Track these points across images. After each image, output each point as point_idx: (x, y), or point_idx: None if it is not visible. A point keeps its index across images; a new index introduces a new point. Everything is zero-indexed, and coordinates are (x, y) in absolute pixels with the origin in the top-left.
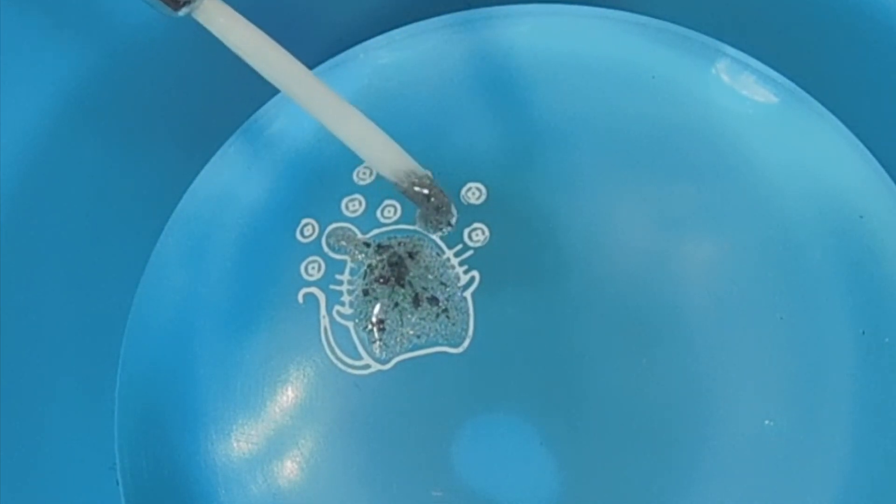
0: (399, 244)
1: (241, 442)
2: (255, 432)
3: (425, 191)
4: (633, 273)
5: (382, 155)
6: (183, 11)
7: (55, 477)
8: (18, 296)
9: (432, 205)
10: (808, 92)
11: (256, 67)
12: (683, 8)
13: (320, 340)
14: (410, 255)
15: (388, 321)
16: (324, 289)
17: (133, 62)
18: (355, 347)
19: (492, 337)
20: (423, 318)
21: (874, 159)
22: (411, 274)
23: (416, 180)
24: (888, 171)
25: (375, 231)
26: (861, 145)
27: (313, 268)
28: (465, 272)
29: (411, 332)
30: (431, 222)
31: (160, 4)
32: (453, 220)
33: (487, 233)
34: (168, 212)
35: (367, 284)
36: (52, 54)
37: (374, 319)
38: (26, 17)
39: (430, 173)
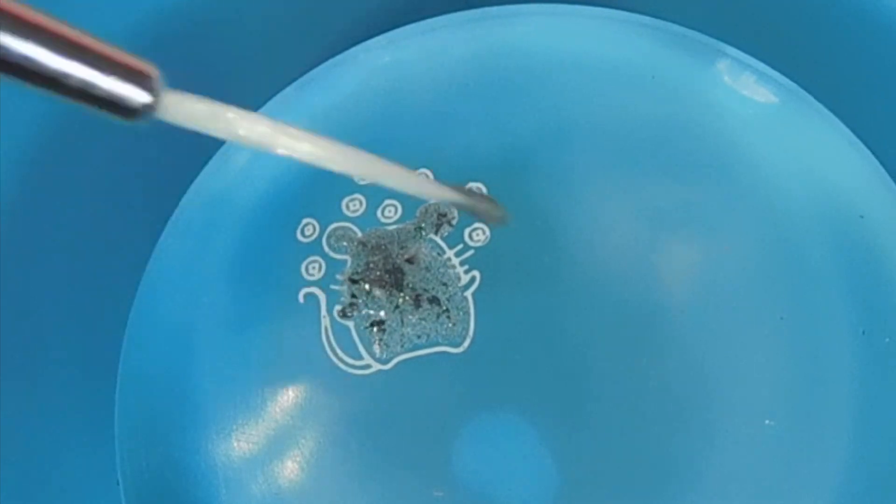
0: (399, 247)
1: (241, 442)
2: (255, 432)
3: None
4: (633, 273)
5: (435, 190)
6: (144, 119)
7: (55, 477)
8: (19, 296)
9: (483, 209)
10: (809, 92)
11: (245, 141)
12: (684, 8)
13: (321, 340)
14: (409, 260)
15: (389, 321)
16: (324, 288)
17: None
18: (356, 347)
19: (492, 337)
20: (424, 318)
21: (874, 159)
22: (411, 276)
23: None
24: (888, 171)
25: (376, 230)
26: (861, 145)
27: (314, 267)
28: (466, 272)
29: (412, 332)
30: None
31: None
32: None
33: (488, 233)
34: (168, 212)
35: (367, 284)
36: None
37: (374, 319)
38: None
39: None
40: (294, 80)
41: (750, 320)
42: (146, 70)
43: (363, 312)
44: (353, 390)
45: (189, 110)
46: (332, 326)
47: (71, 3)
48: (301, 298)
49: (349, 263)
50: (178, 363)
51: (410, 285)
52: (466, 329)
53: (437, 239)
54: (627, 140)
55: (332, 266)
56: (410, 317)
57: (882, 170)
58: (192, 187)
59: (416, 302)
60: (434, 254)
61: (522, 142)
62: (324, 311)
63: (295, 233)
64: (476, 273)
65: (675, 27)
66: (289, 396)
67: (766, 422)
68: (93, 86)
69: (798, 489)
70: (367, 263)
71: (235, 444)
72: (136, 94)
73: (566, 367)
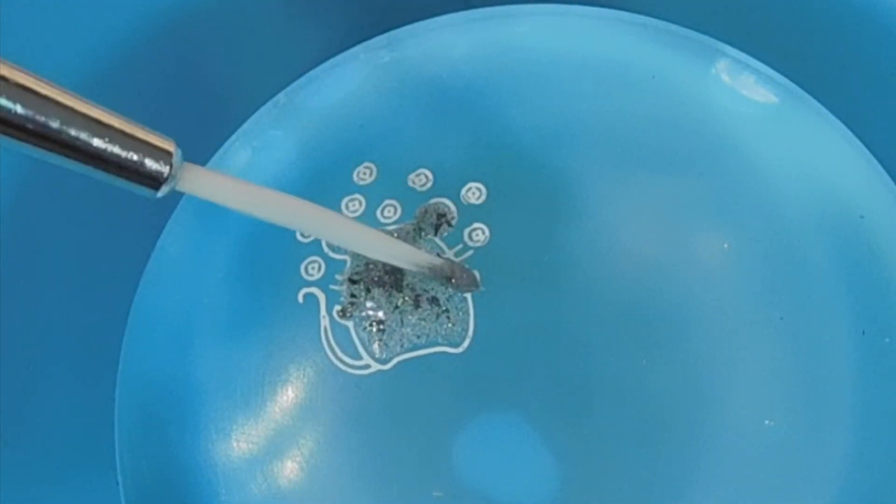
0: None
1: (241, 442)
2: (255, 432)
3: (448, 275)
4: (633, 273)
5: (404, 255)
6: (163, 191)
7: (55, 477)
8: (19, 295)
9: (458, 282)
10: (808, 92)
11: (257, 214)
12: (683, 8)
13: (320, 340)
14: None
15: (389, 321)
16: (324, 289)
17: (132, 61)
18: (355, 347)
19: (492, 337)
20: (424, 319)
21: (874, 159)
22: (410, 276)
23: (437, 267)
24: (888, 171)
25: None
26: (861, 145)
27: (313, 268)
28: None
29: (411, 332)
30: (461, 288)
31: (139, 188)
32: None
33: (487, 233)
34: (168, 212)
35: (367, 285)
36: (51, 53)
37: (374, 319)
38: (26, 16)
39: (446, 261)
40: (294, 80)
41: (750, 320)
42: (165, 146)
43: (363, 313)
44: (353, 390)
45: (202, 183)
46: (331, 326)
47: (74, 2)
48: (300, 298)
49: (349, 264)
50: (177, 363)
51: (410, 285)
52: (466, 329)
53: (437, 239)
54: (627, 140)
55: (332, 266)
56: (410, 317)
57: (882, 170)
58: None
59: (416, 302)
60: (434, 254)
61: (522, 142)
62: (323, 312)
63: (295, 232)
64: (476, 273)
65: (675, 27)
66: (288, 396)
67: (766, 422)
68: (116, 157)
69: (798, 489)
70: (367, 264)
71: (235, 444)
72: (155, 166)
73: (566, 366)
